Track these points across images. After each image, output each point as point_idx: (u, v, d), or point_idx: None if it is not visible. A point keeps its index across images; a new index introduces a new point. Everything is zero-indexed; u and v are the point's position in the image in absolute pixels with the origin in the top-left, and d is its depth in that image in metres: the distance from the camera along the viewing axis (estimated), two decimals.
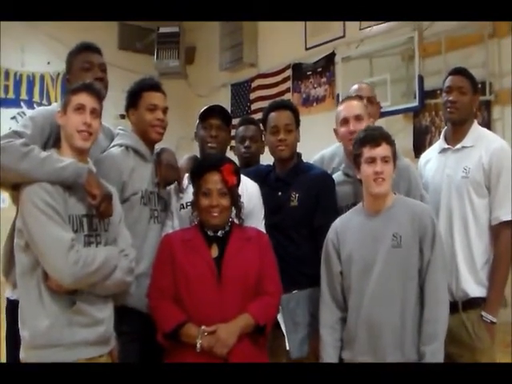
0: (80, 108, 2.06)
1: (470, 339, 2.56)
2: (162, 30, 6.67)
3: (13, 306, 2.11)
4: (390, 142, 2.28)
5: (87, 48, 2.47)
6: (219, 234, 2.29)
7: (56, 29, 5.79)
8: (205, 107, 2.66)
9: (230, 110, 6.30)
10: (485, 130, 2.88)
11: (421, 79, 4.29)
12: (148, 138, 2.47)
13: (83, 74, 2.37)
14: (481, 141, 2.69)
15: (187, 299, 2.20)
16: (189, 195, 2.43)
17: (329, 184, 2.61)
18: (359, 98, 2.75)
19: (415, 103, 4.33)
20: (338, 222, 2.37)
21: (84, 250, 1.99)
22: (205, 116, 2.64)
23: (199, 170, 2.32)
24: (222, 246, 2.27)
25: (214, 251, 2.26)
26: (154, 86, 2.50)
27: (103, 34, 5.61)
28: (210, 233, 2.29)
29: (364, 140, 2.26)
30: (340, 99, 4.88)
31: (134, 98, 2.49)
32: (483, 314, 2.55)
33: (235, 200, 2.31)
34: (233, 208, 2.32)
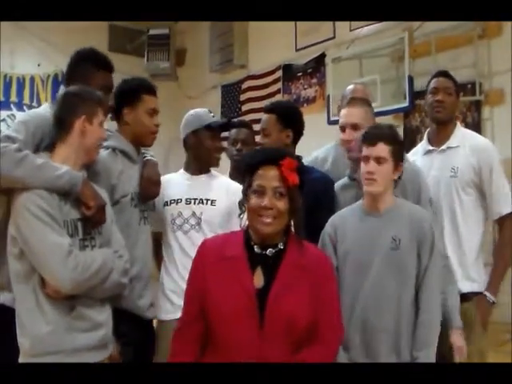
0: (100, 124, 2.13)
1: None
2: (152, 31, 6.66)
3: None
4: (390, 142, 2.20)
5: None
6: (268, 252, 1.87)
7: (46, 31, 5.79)
8: (224, 120, 2.69)
9: (220, 112, 6.37)
10: (467, 130, 2.98)
11: (411, 80, 4.31)
12: (142, 141, 2.46)
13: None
14: (466, 141, 2.77)
15: (219, 336, 1.84)
16: (167, 192, 2.53)
17: (328, 187, 2.59)
18: (366, 102, 2.68)
19: (405, 104, 4.35)
20: (336, 217, 2.32)
21: (81, 254, 1.97)
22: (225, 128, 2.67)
23: (253, 162, 1.89)
24: (270, 271, 1.85)
25: (259, 279, 1.84)
26: (153, 90, 2.49)
27: (93, 35, 5.60)
28: (256, 249, 1.87)
29: (362, 138, 2.25)
30: (331, 100, 4.92)
31: (131, 97, 2.44)
32: (487, 294, 2.68)
33: (294, 205, 1.85)
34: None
